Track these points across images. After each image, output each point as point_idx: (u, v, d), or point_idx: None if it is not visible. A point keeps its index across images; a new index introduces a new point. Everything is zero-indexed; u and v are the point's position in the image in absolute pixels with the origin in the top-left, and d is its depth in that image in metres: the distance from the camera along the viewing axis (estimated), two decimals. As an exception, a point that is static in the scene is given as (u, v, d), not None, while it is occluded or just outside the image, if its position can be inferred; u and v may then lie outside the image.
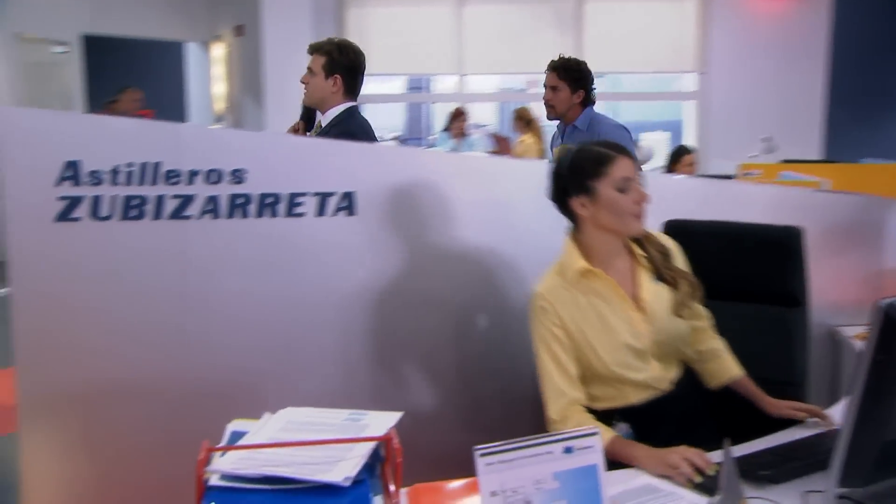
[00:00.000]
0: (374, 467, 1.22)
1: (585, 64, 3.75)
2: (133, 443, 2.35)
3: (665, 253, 2.04)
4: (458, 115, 7.83)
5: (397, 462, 1.19)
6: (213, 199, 2.33)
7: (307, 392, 2.44)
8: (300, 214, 2.40)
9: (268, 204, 2.38)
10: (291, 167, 2.40)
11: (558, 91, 3.69)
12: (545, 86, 3.75)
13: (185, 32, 10.04)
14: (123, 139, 2.28)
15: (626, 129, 3.73)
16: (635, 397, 1.98)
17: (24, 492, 2.31)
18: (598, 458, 1.21)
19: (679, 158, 5.45)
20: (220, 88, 9.86)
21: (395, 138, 11.00)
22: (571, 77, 3.67)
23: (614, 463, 1.75)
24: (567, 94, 3.68)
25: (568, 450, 1.18)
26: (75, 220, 2.25)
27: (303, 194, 2.40)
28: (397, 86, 10.69)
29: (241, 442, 1.28)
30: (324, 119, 3.25)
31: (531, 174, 2.69)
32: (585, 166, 1.95)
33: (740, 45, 7.94)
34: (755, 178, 5.27)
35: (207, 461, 1.18)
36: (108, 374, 2.33)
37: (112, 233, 2.28)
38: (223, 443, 1.30)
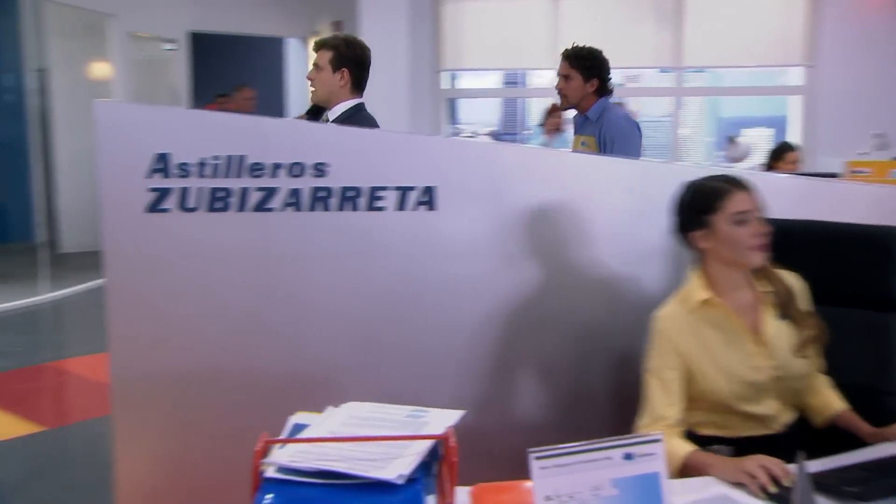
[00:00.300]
0: (431, 466, 1.21)
1: (601, 53, 3.67)
2: (216, 427, 2.41)
3: (789, 292, 2.03)
4: (552, 111, 7.72)
5: (453, 461, 1.17)
6: (295, 192, 2.36)
7: (383, 386, 2.44)
8: (380, 208, 2.41)
9: (349, 197, 2.39)
10: (372, 161, 2.41)
11: (570, 80, 3.62)
12: (558, 74, 3.68)
13: (285, 28, 10.30)
14: (210, 132, 2.33)
15: (633, 122, 3.65)
16: (742, 430, 1.97)
17: (117, 469, 2.40)
18: (660, 466, 1.16)
19: (781, 156, 5.23)
20: (318, 83, 10.04)
21: (489, 133, 10.98)
22: (583, 65, 3.60)
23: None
24: (579, 83, 3.61)
25: (628, 456, 1.14)
26: (164, 211, 2.31)
27: (383, 188, 2.40)
28: (493, 80, 10.64)
29: (301, 435, 1.29)
30: (331, 114, 3.26)
31: (616, 170, 2.65)
32: (701, 201, 2.00)
33: (851, 36, 7.56)
34: (864, 177, 5.02)
35: (265, 453, 1.19)
36: (193, 361, 2.40)
37: (199, 224, 2.33)
38: (285, 435, 1.32)
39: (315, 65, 3.25)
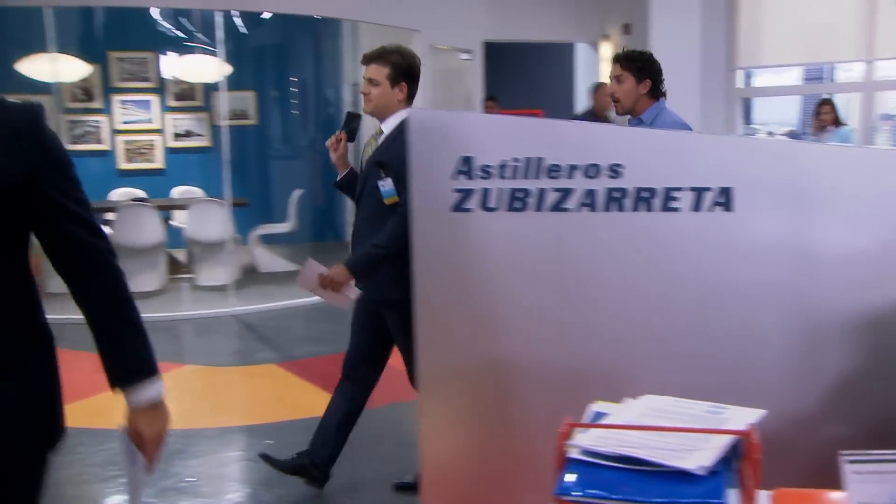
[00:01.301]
0: (731, 462, 1.20)
1: (651, 55, 3.65)
2: (512, 414, 2.53)
3: None
4: (819, 106, 7.25)
5: (756, 458, 1.16)
6: (590, 193, 2.41)
7: (672, 388, 2.42)
8: (675, 209, 2.39)
9: (643, 198, 2.40)
10: (667, 162, 2.40)
11: (623, 82, 3.60)
12: (610, 78, 3.68)
13: (575, 33, 10.44)
14: (510, 136, 2.45)
15: (686, 126, 3.53)
16: None
17: (422, 448, 2.62)
18: None
19: None
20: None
21: (786, 133, 10.35)
22: (635, 66, 3.58)
23: None
24: (632, 85, 3.57)
25: (957, 470, 1.05)
26: (468, 210, 2.48)
27: (678, 189, 2.39)
28: (791, 77, 9.99)
29: (601, 422, 1.34)
30: (385, 125, 3.37)
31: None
32: None
33: None
34: None
35: (568, 436, 1.26)
36: (492, 353, 2.53)
37: (498, 223, 2.47)
38: (585, 421, 1.38)
39: (369, 79, 3.35)
